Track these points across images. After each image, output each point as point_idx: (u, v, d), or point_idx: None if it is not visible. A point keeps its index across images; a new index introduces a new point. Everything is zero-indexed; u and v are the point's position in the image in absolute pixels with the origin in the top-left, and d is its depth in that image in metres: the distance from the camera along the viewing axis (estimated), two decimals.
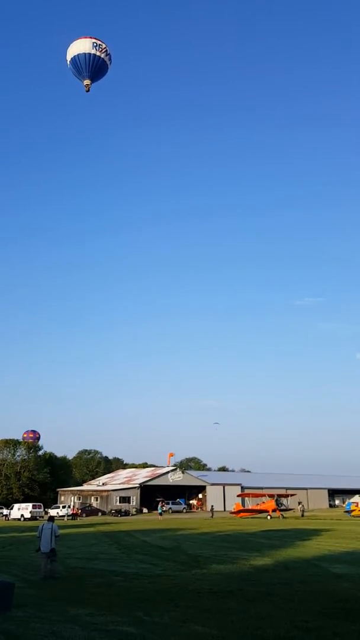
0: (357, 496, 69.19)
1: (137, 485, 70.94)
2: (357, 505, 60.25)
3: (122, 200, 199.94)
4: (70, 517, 57.49)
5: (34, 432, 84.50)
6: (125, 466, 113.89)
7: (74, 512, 60.04)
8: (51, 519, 16.89)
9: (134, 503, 68.67)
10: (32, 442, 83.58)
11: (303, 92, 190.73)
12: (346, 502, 68.81)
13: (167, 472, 74.87)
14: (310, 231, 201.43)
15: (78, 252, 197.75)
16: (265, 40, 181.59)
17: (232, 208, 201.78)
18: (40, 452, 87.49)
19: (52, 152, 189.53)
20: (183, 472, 77.04)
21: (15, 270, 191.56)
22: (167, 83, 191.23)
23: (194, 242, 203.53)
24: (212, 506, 63.98)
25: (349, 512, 59.06)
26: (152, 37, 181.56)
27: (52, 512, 56.22)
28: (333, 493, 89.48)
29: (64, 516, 57.77)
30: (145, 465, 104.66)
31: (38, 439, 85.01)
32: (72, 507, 64.21)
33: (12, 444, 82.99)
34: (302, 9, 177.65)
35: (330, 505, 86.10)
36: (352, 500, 66.72)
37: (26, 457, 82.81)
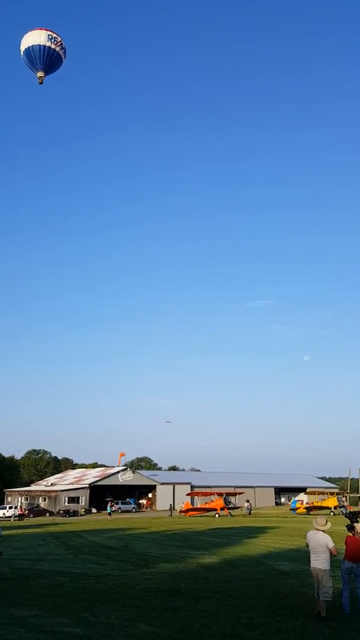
0: (302, 494, 70.87)
1: (87, 485, 70.23)
2: (302, 503, 61.68)
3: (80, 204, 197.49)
4: (17, 518, 56.46)
5: None
6: (75, 466, 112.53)
7: (21, 512, 58.97)
8: None
9: (83, 503, 67.97)
10: None
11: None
12: (292, 500, 70.30)
13: (118, 472, 74.41)
14: (264, 233, 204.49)
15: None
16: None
17: (184, 207, 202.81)
18: None
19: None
20: (133, 472, 76.79)
21: None
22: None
23: (147, 242, 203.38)
24: (170, 505, 64.03)
25: (294, 509, 60.35)
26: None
27: None
28: (279, 491, 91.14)
29: (10, 517, 56.68)
30: (95, 465, 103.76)
31: None
32: (19, 507, 63.02)
33: None
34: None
35: (277, 503, 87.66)
36: (297, 498, 68.29)
37: None
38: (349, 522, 11.40)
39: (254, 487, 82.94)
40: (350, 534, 10.83)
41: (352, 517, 11.30)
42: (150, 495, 78.31)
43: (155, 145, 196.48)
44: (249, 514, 56.67)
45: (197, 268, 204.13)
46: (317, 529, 10.27)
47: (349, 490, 72.89)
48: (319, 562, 9.91)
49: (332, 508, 55.09)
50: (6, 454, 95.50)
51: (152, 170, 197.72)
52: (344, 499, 61.15)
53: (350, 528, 10.98)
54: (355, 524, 11.07)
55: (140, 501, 77.34)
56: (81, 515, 63.45)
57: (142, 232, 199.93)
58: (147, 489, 78.76)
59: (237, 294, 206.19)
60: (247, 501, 61.77)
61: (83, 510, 66.23)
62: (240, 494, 66.43)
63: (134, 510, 69.44)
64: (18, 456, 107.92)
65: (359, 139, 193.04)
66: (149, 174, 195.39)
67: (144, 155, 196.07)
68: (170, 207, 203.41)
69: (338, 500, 57.75)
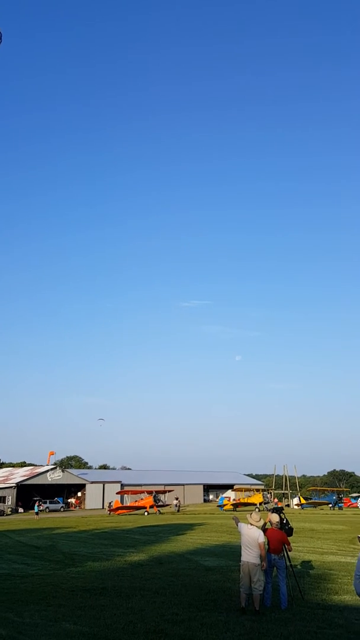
0: (229, 491, 72.24)
1: (14, 484, 68.60)
2: (229, 500, 62.87)
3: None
4: None
5: None
6: (1, 465, 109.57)
7: None
8: None
9: (10, 503, 66.32)
10: None
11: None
12: (219, 497, 71.53)
13: (47, 471, 73.12)
14: (200, 231, 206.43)
15: None
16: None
17: (121, 207, 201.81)
18: None
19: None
20: (63, 471, 75.68)
21: None
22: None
23: (83, 242, 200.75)
24: (177, 498, 62.65)
25: (221, 506, 61.40)
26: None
27: None
28: (208, 488, 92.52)
29: None
30: (23, 464, 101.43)
31: None
32: None
33: None
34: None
35: (205, 500, 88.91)
36: (224, 495, 69.50)
37: None
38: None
39: (183, 485, 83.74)
40: (271, 528, 11.21)
41: (276, 512, 11.67)
42: (79, 494, 77.50)
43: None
44: (178, 511, 57.17)
45: (131, 266, 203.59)
46: (251, 524, 10.56)
47: (273, 487, 75.11)
48: (252, 556, 10.20)
49: (258, 504, 56.47)
50: None
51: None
52: (269, 495, 62.88)
53: (270, 522, 11.38)
54: (271, 515, 11.49)
55: (69, 500, 76.40)
56: (7, 515, 61.89)
57: (77, 232, 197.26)
58: (77, 488, 77.92)
59: (172, 294, 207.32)
60: (176, 499, 62.27)
61: (9, 509, 64.65)
62: (169, 491, 66.95)
63: (62, 509, 68.50)
64: None
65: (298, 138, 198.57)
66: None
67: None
68: (108, 207, 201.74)
69: (263, 497, 59.29)
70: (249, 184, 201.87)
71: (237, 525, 10.76)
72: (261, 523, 10.69)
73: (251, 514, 10.87)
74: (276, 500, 61.68)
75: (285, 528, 11.48)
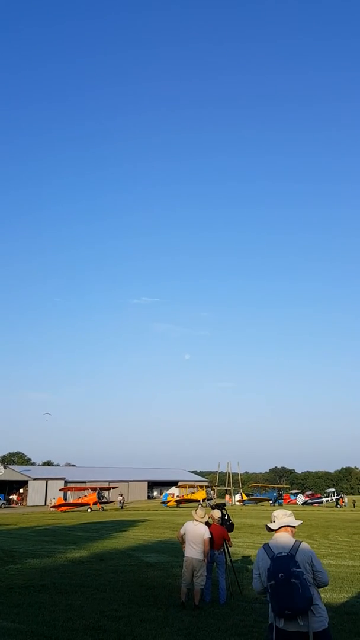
0: (173, 488, 72.69)
1: None
2: (172, 497, 63.29)
3: None
4: None
5: None
6: None
7: None
8: None
9: None
10: None
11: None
12: (163, 494, 71.88)
13: None
14: (149, 230, 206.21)
15: None
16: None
17: (73, 204, 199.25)
18: None
19: None
20: (5, 467, 74.22)
21: None
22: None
23: (32, 234, 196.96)
24: (121, 495, 62.54)
25: (165, 503, 61.75)
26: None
27: None
28: (152, 485, 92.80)
29: None
30: None
31: None
32: None
33: None
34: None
35: (149, 497, 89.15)
36: (168, 491, 69.93)
37: None
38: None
39: (127, 482, 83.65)
40: (213, 524, 11.37)
41: (218, 508, 11.86)
42: (21, 490, 76.17)
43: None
44: (122, 508, 57.10)
45: (83, 262, 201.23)
46: (197, 520, 10.66)
47: (217, 484, 76.05)
48: (196, 552, 10.30)
49: (201, 501, 57.06)
50: None
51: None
52: (212, 491, 63.68)
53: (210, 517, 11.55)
54: (213, 511, 11.66)
55: (11, 497, 74.97)
56: None
57: (26, 225, 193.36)
58: (19, 485, 76.56)
59: (123, 291, 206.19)
60: (120, 495, 62.19)
61: None
62: (114, 488, 66.83)
63: (3, 506, 67.16)
64: None
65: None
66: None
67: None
68: (63, 204, 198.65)
69: (207, 493, 59.97)
70: (210, 184, 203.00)
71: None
72: (206, 519, 10.83)
73: (196, 510, 10.98)
74: (228, 497, 62.54)
75: (227, 524, 11.67)
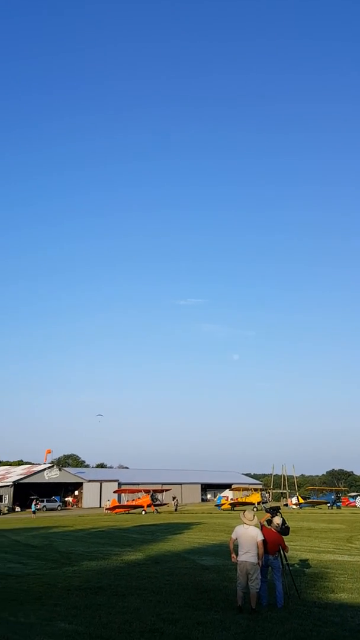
0: (227, 490, 72.25)
1: (10, 483, 68.53)
2: (226, 499, 62.89)
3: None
4: None
5: None
6: None
7: None
8: None
9: (6, 501, 66.26)
10: None
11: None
12: (217, 497, 71.54)
13: (44, 470, 73.10)
14: (197, 231, 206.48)
15: None
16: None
17: (122, 202, 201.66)
18: None
19: None
20: (60, 470, 75.59)
21: None
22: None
23: (80, 238, 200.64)
24: (174, 498, 62.41)
25: (219, 505, 61.42)
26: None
27: None
28: (206, 488, 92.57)
29: None
30: (20, 463, 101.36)
31: None
32: None
33: None
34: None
35: (203, 500, 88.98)
36: (222, 494, 69.53)
37: None
38: (269, 516, 11.73)
39: (180, 484, 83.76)
40: (267, 527, 11.14)
41: (272, 511, 11.62)
42: (76, 492, 77.42)
43: (89, 138, 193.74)
44: (176, 510, 57.18)
45: (127, 263, 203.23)
46: (246, 524, 10.50)
47: (272, 487, 75.11)
48: (250, 555, 10.14)
49: (256, 504, 56.48)
50: None
51: (92, 163, 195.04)
52: (267, 494, 62.90)
53: (270, 522, 11.31)
54: (273, 518, 11.42)
55: (67, 499, 76.31)
56: (4, 514, 61.86)
57: (76, 227, 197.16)
58: (74, 487, 77.85)
59: (169, 292, 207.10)
60: (174, 498, 62.27)
61: (6, 508, 64.58)
62: (167, 490, 66.98)
63: (59, 508, 68.49)
64: None
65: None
66: (90, 167, 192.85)
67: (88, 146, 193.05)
68: (109, 202, 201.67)
69: (261, 496, 59.29)
70: (251, 187, 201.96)
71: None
72: (255, 521, 10.64)
73: (244, 512, 10.81)
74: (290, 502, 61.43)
75: (282, 527, 11.43)
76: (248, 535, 10.31)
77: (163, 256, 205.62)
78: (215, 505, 63.66)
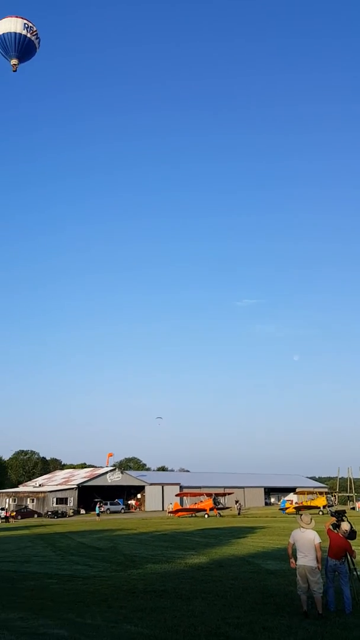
0: (291, 494, 71.16)
1: (75, 486, 70.02)
2: (291, 503, 61.89)
3: (64, 196, 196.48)
4: (3, 520, 55.96)
5: None
6: (63, 467, 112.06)
7: (6, 514, 58.40)
8: None
9: (72, 504, 67.74)
10: None
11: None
12: (281, 500, 70.54)
13: (106, 473, 74.27)
14: (251, 233, 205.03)
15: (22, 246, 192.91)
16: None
17: (172, 207, 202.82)
18: None
19: None
20: (122, 473, 76.60)
21: None
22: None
23: (134, 240, 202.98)
24: (237, 501, 62.40)
25: (283, 509, 60.48)
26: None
27: None
28: (269, 491, 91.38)
29: None
30: (83, 466, 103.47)
31: None
32: (6, 509, 62.59)
33: None
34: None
35: (266, 504, 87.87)
36: (286, 498, 68.54)
37: None
38: (335, 520, 11.41)
39: (243, 488, 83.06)
40: (333, 532, 10.85)
41: (338, 515, 11.29)
42: (139, 495, 78.16)
43: (137, 137, 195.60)
44: (239, 514, 56.75)
45: (182, 266, 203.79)
46: (303, 528, 10.29)
47: (337, 490, 73.35)
48: (308, 559, 9.93)
49: (321, 507, 55.26)
50: None
51: (136, 164, 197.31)
52: (332, 498, 61.42)
53: (336, 526, 11.00)
54: (341, 522, 11.09)
55: (129, 502, 77.15)
56: (69, 516, 63.21)
57: (129, 230, 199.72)
58: (136, 490, 78.62)
59: (224, 293, 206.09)
60: (237, 501, 61.84)
61: (71, 511, 65.98)
62: (229, 494, 66.52)
63: (122, 511, 69.30)
64: (6, 457, 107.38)
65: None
66: (133, 168, 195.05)
67: (130, 148, 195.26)
68: (160, 205, 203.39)
69: (327, 500, 57.95)
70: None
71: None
72: (313, 524, 10.39)
73: (301, 516, 10.61)
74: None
75: (350, 532, 11.08)
76: (305, 538, 10.09)
77: (221, 260, 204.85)
78: (280, 509, 62.74)
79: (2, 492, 77.94)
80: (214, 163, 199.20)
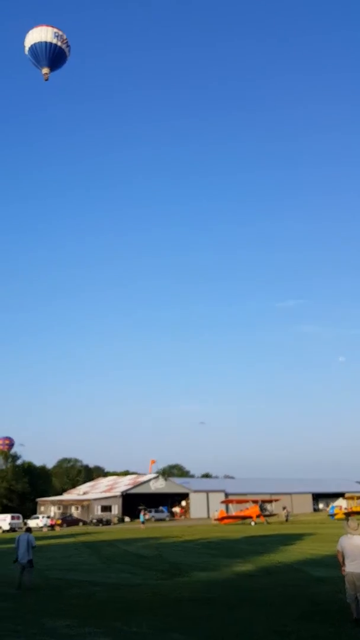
0: (340, 499, 69.70)
1: (119, 493, 70.36)
2: (340, 509, 60.59)
3: (96, 204, 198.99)
4: (49, 528, 56.61)
5: (8, 438, 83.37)
6: (106, 474, 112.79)
7: (52, 522, 59.10)
8: (28, 529, 16.64)
9: (116, 512, 68.05)
10: (7, 449, 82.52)
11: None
12: (330, 506, 69.18)
13: (149, 480, 74.38)
14: (295, 233, 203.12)
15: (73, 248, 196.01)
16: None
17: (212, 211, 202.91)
18: (19, 462, 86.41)
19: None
20: (165, 480, 76.55)
21: None
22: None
23: (172, 244, 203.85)
24: (284, 508, 61.72)
25: (332, 515, 59.32)
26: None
27: (31, 522, 55.27)
28: (317, 497, 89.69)
29: (43, 527, 56.85)
30: (126, 473, 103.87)
31: (12, 445, 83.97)
32: (52, 517, 63.37)
33: None
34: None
35: (315, 510, 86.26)
36: (335, 504, 67.18)
37: (4, 466, 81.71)
38: None
39: (290, 494, 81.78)
40: None
41: None
42: (183, 503, 77.92)
43: (160, 144, 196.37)
44: (286, 520, 55.94)
45: (222, 266, 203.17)
46: (351, 534, 9.97)
47: None
48: (356, 565, 9.62)
49: None
50: (38, 463, 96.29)
51: (167, 172, 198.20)
52: None
53: None
54: None
55: (174, 509, 76.98)
56: (114, 524, 63.49)
57: (168, 231, 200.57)
58: (180, 497, 78.42)
59: (266, 294, 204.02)
60: (284, 508, 60.97)
61: (116, 519, 66.26)
62: (276, 500, 65.59)
63: (167, 518, 69.17)
64: (49, 465, 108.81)
65: None
66: (166, 176, 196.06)
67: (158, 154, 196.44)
68: (194, 210, 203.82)
69: None
70: None
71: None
72: None
73: (348, 522, 10.27)
74: None
75: None
76: (353, 544, 9.78)
77: (257, 258, 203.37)
78: (329, 515, 61.54)
79: (47, 500, 78.96)
80: (278, 170, 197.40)
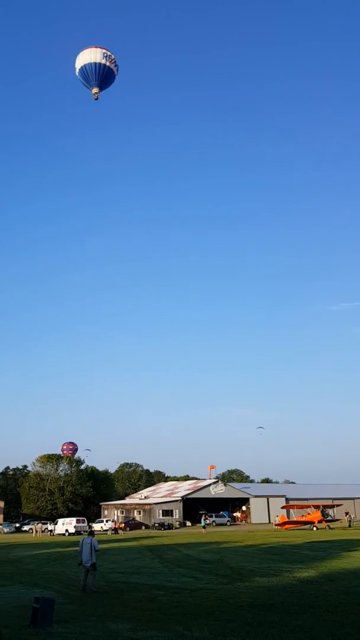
0: None
1: (179, 498, 70.57)
2: None
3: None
4: (113, 531, 57.47)
5: (72, 444, 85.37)
6: (166, 479, 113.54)
7: (115, 526, 59.97)
8: (91, 533, 17.04)
9: (177, 516, 68.30)
10: (71, 454, 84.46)
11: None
12: None
13: (209, 485, 74.26)
14: (343, 235, 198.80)
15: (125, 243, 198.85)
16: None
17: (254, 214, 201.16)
18: (83, 467, 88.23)
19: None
20: (225, 485, 76.18)
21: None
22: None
23: (222, 248, 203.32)
24: (347, 513, 60.33)
25: None
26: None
27: (96, 526, 56.23)
28: None
29: (107, 530, 57.74)
30: (186, 478, 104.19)
31: (76, 450, 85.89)
32: (115, 521, 64.32)
33: (55, 458, 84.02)
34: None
35: None
36: None
37: (69, 471, 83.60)
38: None
39: (353, 499, 79.81)
40: None
41: None
42: (244, 508, 77.36)
43: (211, 149, 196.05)
44: (349, 526, 54.62)
45: (276, 271, 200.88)
46: None
47: None
48: None
49: None
50: (100, 468, 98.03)
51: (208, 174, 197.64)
52: None
53: None
54: None
55: (235, 514, 76.53)
56: (176, 528, 63.73)
57: (215, 235, 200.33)
58: (240, 502, 77.89)
59: (318, 297, 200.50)
60: (347, 513, 59.55)
61: (177, 523, 66.49)
62: (338, 505, 64.14)
63: (228, 523, 68.84)
64: (111, 469, 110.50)
65: None
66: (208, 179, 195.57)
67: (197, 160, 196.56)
68: (235, 214, 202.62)
69: None
70: None
71: None
72: None
73: None
74: None
75: None
76: None
77: (310, 262, 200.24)
78: None
79: (110, 504, 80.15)
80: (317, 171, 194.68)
